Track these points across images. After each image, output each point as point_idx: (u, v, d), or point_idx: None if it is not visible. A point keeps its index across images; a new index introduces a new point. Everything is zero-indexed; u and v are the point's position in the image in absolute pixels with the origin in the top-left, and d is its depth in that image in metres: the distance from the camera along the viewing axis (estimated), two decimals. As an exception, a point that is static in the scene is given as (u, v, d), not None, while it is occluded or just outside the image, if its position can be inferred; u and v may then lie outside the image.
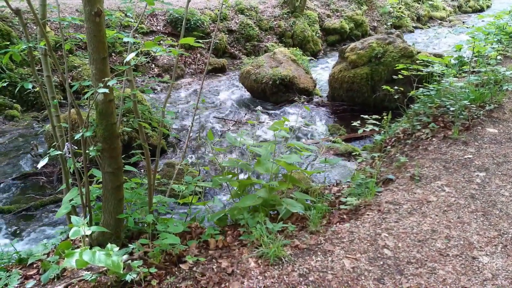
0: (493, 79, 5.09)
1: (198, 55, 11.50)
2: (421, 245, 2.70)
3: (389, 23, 17.22)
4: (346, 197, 3.38)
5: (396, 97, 4.98)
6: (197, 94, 9.38)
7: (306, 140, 6.90)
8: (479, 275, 2.43)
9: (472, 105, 4.68)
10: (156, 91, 9.56)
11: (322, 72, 10.94)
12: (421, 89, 4.92)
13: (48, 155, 2.69)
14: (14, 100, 7.96)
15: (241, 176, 3.82)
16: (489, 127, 4.42)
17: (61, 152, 2.85)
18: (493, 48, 5.62)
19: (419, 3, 20.08)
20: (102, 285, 2.39)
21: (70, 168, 2.96)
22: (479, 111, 4.63)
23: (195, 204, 3.56)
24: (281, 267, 2.49)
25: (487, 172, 3.61)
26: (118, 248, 2.44)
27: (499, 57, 5.68)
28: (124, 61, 2.37)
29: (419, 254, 2.61)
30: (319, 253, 2.64)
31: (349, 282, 2.37)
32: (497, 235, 2.79)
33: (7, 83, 3.15)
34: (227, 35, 12.44)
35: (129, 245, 2.73)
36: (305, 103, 8.42)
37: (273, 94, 8.65)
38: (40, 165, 2.60)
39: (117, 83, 2.31)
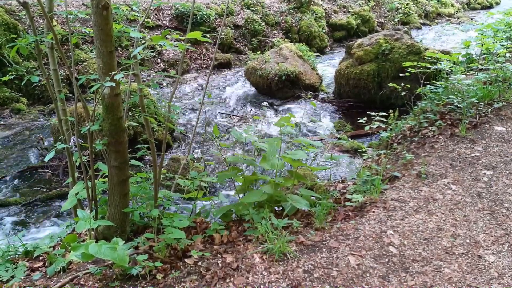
0: (502, 77, 5.03)
1: (204, 50, 11.48)
2: (426, 243, 2.69)
3: (396, 19, 17.10)
4: (351, 194, 3.37)
5: (402, 94, 4.94)
6: (202, 89, 9.38)
7: (311, 137, 6.88)
8: (485, 274, 2.42)
9: (480, 103, 4.63)
10: (161, 86, 9.58)
11: (328, 68, 10.90)
12: (428, 86, 4.88)
13: (54, 148, 2.70)
14: (20, 94, 8.00)
15: (246, 172, 3.81)
16: (497, 125, 4.38)
17: (67, 146, 2.86)
18: (502, 45, 5.55)
19: (427, -1, 19.91)
20: (107, 278, 2.40)
21: (76, 161, 2.97)
22: (487, 109, 4.58)
23: (200, 199, 3.56)
24: (286, 263, 2.49)
25: (494, 170, 3.58)
26: (123, 242, 2.45)
27: (508, 55, 5.61)
28: (131, 55, 2.36)
29: (425, 252, 2.60)
30: (324, 249, 2.64)
31: (354, 279, 2.37)
32: (504, 234, 2.77)
33: (13, 76, 3.16)
34: (233, 30, 12.41)
35: (135, 239, 2.74)
36: (311, 99, 8.39)
37: (279, 90, 8.62)
38: (47, 159, 2.61)
39: (123, 77, 2.31)
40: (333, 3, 15.96)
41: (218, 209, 3.38)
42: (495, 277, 2.39)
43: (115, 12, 3.05)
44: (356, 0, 16.59)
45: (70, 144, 2.93)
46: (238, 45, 12.41)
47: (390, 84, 5.48)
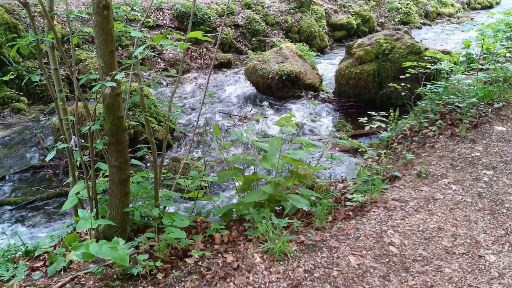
0: (502, 77, 5.03)
1: (204, 49, 11.48)
2: (427, 242, 2.69)
3: (396, 19, 17.10)
4: (352, 194, 3.37)
5: (403, 94, 4.94)
6: (202, 88, 9.37)
7: (312, 136, 6.88)
8: (485, 274, 2.42)
9: (480, 103, 4.63)
10: (162, 85, 9.58)
11: (328, 68, 10.89)
12: (428, 86, 4.88)
13: (55, 148, 2.70)
14: (20, 93, 8.00)
15: (247, 172, 3.81)
16: (497, 125, 4.38)
17: (68, 145, 2.86)
18: (503, 45, 5.55)
19: (427, -1, 19.91)
20: (108, 277, 2.40)
21: (76, 161, 2.97)
22: (487, 109, 4.58)
23: (201, 199, 3.56)
24: (286, 263, 2.49)
25: (494, 170, 3.58)
26: (124, 241, 2.45)
27: (508, 55, 5.61)
28: (133, 55, 2.36)
29: (425, 251, 2.60)
30: (324, 249, 2.64)
31: (355, 278, 2.37)
32: (504, 234, 2.77)
33: (14, 76, 3.16)
34: (233, 30, 12.40)
35: (135, 238, 2.74)
36: (312, 98, 8.40)
37: (279, 89, 8.62)
38: (48, 159, 2.61)
39: (124, 76, 2.31)
40: (334, 3, 15.96)
41: (218, 209, 3.38)
42: (496, 277, 2.39)
43: (116, 12, 3.05)
44: (357, 0, 16.58)
45: (70, 143, 2.93)
46: (238, 45, 12.40)
47: (391, 84, 5.49)
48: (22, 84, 7.41)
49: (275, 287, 2.29)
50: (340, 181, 4.10)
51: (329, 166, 4.56)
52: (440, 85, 4.76)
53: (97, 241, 2.34)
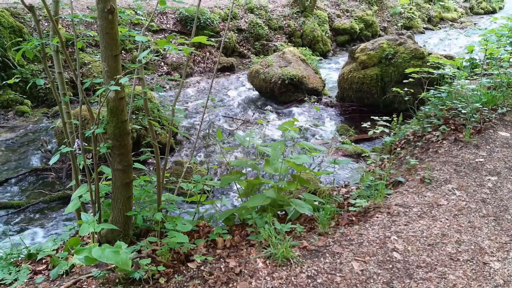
0: (506, 82, 5.02)
1: (207, 53, 11.51)
2: (431, 249, 2.67)
3: (399, 24, 17.10)
4: (355, 199, 3.36)
5: (406, 98, 4.93)
6: (205, 92, 9.39)
7: (315, 141, 6.87)
8: (490, 281, 2.40)
9: (484, 108, 4.62)
10: (165, 89, 9.60)
11: (331, 72, 10.89)
12: (432, 91, 4.87)
13: (59, 151, 2.71)
14: (24, 96, 8.02)
15: (249, 176, 3.80)
16: (501, 131, 4.36)
17: (71, 149, 2.86)
18: (506, 50, 5.55)
19: (430, 4, 19.92)
20: (110, 282, 2.39)
21: (79, 164, 2.97)
22: (491, 114, 4.57)
23: (203, 203, 3.55)
24: (289, 268, 2.47)
25: (498, 176, 3.56)
26: (126, 245, 2.45)
27: (512, 60, 5.60)
28: (137, 59, 2.37)
29: (429, 258, 2.58)
30: (327, 255, 2.63)
31: (358, 285, 2.35)
32: (509, 241, 2.75)
33: (19, 79, 3.17)
34: (236, 34, 12.44)
35: (138, 242, 2.73)
36: (314, 103, 8.39)
37: (282, 93, 8.62)
38: (51, 162, 2.61)
39: (128, 80, 2.31)
40: (337, 7, 15.99)
41: (221, 213, 3.38)
42: (501, 284, 2.37)
43: (120, 16, 3.06)
44: (360, 4, 16.60)
45: (74, 147, 2.93)
46: (241, 49, 12.43)
47: (394, 89, 5.48)
48: (27, 87, 7.45)
49: (278, 292, 2.28)
50: (343, 186, 4.09)
51: (332, 171, 4.55)
52: (444, 90, 4.75)
53: (99, 245, 2.34)
